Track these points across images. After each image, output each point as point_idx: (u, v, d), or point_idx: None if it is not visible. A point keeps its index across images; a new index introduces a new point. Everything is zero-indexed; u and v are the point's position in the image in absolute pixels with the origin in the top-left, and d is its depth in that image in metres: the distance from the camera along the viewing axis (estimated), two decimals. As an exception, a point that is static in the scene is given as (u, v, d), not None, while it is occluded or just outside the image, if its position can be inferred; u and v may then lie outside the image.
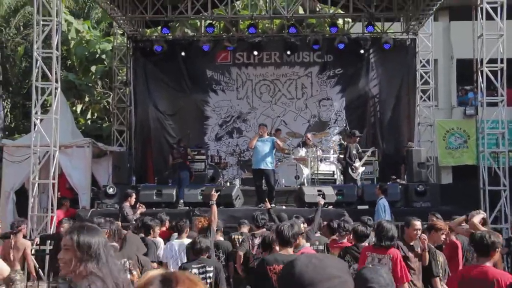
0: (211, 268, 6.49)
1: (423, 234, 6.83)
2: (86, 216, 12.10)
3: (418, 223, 6.82)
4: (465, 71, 18.29)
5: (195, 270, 6.40)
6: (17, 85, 22.33)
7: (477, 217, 6.87)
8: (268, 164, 12.66)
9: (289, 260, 2.13)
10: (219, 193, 9.90)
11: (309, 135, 15.78)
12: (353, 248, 6.86)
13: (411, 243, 6.75)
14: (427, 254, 6.71)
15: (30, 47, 15.04)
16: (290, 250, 5.49)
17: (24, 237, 9.47)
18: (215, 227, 8.28)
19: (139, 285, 2.08)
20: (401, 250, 6.56)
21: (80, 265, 3.05)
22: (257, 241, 8.11)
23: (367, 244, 6.94)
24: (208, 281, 6.43)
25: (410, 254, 6.64)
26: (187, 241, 7.82)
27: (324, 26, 19.33)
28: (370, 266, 2.58)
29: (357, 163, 13.91)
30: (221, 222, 9.25)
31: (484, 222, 7.12)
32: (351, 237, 7.55)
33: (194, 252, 6.57)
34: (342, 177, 14.86)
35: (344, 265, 2.21)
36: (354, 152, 13.99)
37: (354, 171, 13.89)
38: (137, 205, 11.27)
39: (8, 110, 22.17)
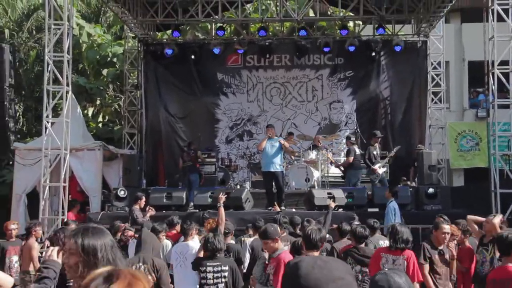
0: (226, 268, 6.55)
1: (451, 243, 6.84)
2: (96, 218, 12.17)
3: (446, 227, 6.90)
4: (477, 73, 18.16)
5: (210, 268, 6.49)
6: (29, 89, 22.54)
7: (497, 218, 6.99)
8: (277, 166, 12.65)
9: (293, 262, 2.14)
10: (226, 196, 9.92)
11: (319, 137, 15.77)
12: (353, 250, 6.90)
13: (440, 247, 6.79)
14: (455, 263, 6.74)
15: (43, 51, 15.18)
16: (316, 254, 5.55)
17: (37, 239, 9.51)
18: (222, 229, 8.35)
19: (85, 281, 2.10)
20: (427, 251, 6.65)
21: (89, 271, 2.81)
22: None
23: (363, 246, 7.02)
24: (223, 280, 6.49)
25: (436, 257, 6.70)
26: (192, 243, 7.86)
27: (334, 28, 19.33)
28: (387, 270, 2.56)
29: (377, 165, 13.84)
30: (232, 224, 9.24)
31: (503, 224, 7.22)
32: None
33: (209, 250, 6.59)
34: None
35: (348, 267, 2.24)
36: (375, 153, 13.91)
37: (372, 173, 13.88)
38: (147, 208, 11.27)
39: (21, 113, 22.37)
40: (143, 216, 11.11)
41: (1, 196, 17.50)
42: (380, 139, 14.50)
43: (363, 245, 6.96)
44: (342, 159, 15.78)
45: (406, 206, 12.70)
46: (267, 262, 6.28)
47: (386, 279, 2.37)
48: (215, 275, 6.48)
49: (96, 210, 13.83)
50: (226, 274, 6.51)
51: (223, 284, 6.53)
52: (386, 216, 11.19)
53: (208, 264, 6.51)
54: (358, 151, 14.42)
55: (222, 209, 8.57)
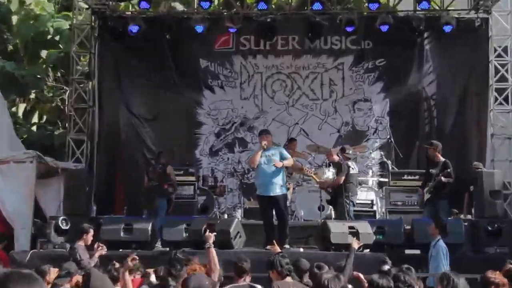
0: None
1: None
2: (24, 260, 12.07)
3: None
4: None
5: None
6: None
7: None
8: (277, 188, 12.59)
9: None
10: (215, 233, 9.75)
11: (334, 150, 15.36)
12: None
13: None
14: None
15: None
16: None
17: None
18: (216, 277, 8.22)
19: None
20: None
21: None
22: None
23: None
24: None
25: None
26: None
27: (361, 1, 19.13)
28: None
29: (425, 189, 13.95)
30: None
31: None
32: None
33: None
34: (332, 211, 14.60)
35: None
36: (432, 171, 13.93)
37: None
38: (95, 246, 11.17)
39: None
40: (89, 257, 11.03)
41: None
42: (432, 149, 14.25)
43: None
44: (370, 179, 15.63)
45: (458, 248, 12.62)
46: None
47: None
48: None
49: (24, 248, 13.72)
50: None
51: None
52: (433, 261, 11.22)
53: None
54: (355, 169, 14.12)
55: (212, 250, 8.52)
